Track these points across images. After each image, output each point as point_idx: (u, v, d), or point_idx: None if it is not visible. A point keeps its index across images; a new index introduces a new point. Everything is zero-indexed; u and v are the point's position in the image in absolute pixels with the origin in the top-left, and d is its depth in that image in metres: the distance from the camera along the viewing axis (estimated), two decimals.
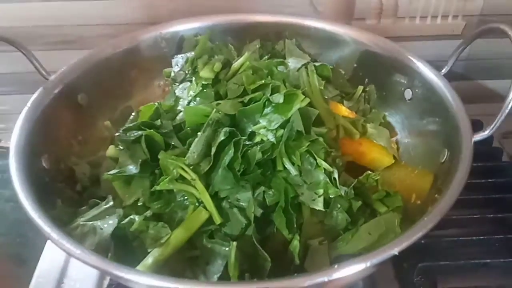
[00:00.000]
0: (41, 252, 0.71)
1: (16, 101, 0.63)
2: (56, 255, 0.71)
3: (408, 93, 0.70)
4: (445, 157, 0.59)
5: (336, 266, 0.43)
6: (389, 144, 0.68)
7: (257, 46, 0.77)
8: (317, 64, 0.74)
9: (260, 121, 0.55)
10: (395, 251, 0.43)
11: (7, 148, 0.58)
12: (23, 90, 0.64)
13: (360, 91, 0.75)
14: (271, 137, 0.55)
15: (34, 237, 0.74)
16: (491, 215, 0.70)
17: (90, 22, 0.89)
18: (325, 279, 0.42)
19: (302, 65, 0.72)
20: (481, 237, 0.67)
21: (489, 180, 0.75)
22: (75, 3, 0.87)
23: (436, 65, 0.68)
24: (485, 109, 0.73)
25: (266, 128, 0.55)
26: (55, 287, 0.67)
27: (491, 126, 0.56)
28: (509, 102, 0.54)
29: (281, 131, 0.55)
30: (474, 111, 0.79)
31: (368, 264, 0.43)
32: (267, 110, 0.56)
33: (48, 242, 0.73)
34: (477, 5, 0.91)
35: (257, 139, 0.55)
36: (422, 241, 0.65)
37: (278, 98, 0.55)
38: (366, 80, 0.76)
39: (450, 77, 0.67)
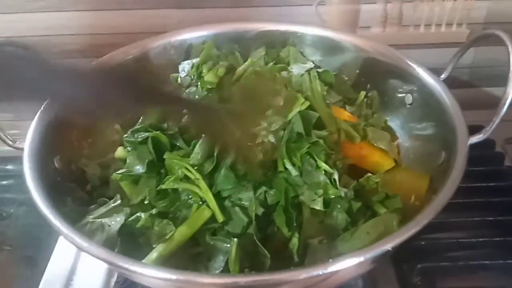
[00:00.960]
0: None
1: (30, 107, 0.66)
2: (66, 255, 0.73)
3: (408, 98, 0.72)
4: (442, 159, 0.60)
5: (331, 260, 0.44)
6: (390, 147, 0.69)
7: (263, 53, 0.79)
8: (320, 70, 0.76)
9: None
10: (388, 246, 0.45)
11: (22, 149, 0.60)
12: None
13: (362, 97, 0.77)
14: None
15: (46, 239, 0.77)
16: (491, 218, 0.71)
17: (102, 32, 0.92)
18: (320, 272, 0.43)
19: (306, 71, 0.74)
20: (481, 239, 0.68)
21: (490, 184, 0.76)
22: (87, 13, 0.90)
23: (440, 73, 0.70)
24: (489, 115, 0.75)
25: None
26: (64, 284, 0.70)
27: (487, 129, 0.57)
28: (504, 104, 0.56)
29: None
30: (478, 117, 0.80)
31: (362, 258, 0.44)
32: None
33: (58, 243, 0.75)
34: (481, 14, 0.92)
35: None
36: (422, 243, 0.67)
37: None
38: (368, 86, 0.78)
39: (454, 84, 0.69)
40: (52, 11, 0.89)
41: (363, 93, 0.77)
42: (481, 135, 0.57)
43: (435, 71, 0.69)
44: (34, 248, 0.78)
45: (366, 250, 0.45)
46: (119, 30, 0.92)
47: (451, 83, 0.68)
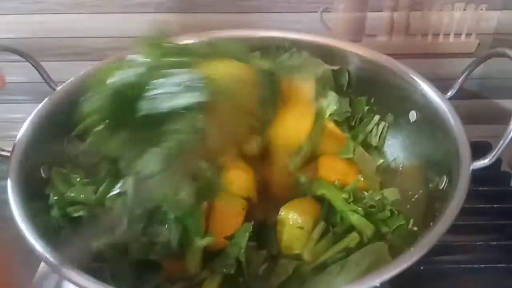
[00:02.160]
0: None
1: (29, 110, 0.65)
2: None
3: (412, 115, 0.68)
4: (444, 183, 0.57)
5: None
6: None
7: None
8: None
9: None
10: (377, 282, 0.42)
11: (8, 156, 0.58)
12: (36, 99, 0.66)
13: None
14: None
15: None
16: (495, 242, 0.68)
17: (103, 35, 0.91)
18: None
19: None
20: (483, 265, 0.65)
21: (495, 205, 0.73)
22: (88, 16, 0.88)
23: (448, 84, 0.67)
24: (497, 130, 0.72)
25: None
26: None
27: (493, 154, 0.54)
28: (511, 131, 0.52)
29: None
30: (485, 132, 0.77)
31: None
32: None
33: None
34: (491, 24, 0.89)
35: None
36: (422, 267, 0.64)
37: None
38: (372, 99, 0.75)
39: (461, 95, 0.66)
40: (52, 13, 0.88)
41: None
42: (485, 161, 0.53)
43: (443, 83, 0.66)
44: (30, 253, 0.77)
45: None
46: (121, 34, 0.90)
47: (460, 94, 0.65)
